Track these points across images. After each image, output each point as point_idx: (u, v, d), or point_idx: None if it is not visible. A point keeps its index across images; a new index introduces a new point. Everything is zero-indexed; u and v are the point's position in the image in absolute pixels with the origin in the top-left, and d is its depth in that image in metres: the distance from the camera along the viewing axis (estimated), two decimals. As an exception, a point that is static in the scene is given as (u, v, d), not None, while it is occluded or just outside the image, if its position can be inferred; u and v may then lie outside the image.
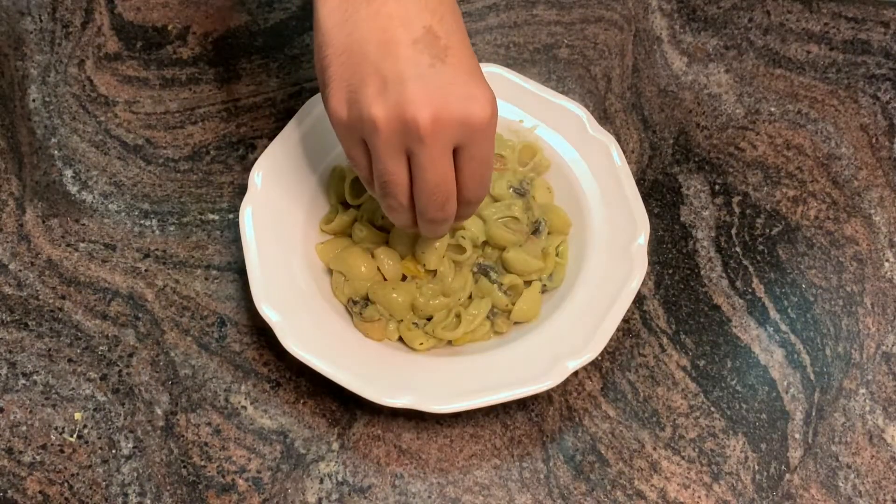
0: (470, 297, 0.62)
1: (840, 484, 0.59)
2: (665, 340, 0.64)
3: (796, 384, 0.62)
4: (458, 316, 0.60)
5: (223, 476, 0.58)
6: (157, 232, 0.67)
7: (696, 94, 0.74)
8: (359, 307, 0.61)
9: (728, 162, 0.71)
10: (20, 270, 0.65)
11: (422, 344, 0.60)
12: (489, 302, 0.61)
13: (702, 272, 0.66)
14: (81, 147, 0.70)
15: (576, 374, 0.61)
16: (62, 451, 0.59)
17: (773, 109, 0.73)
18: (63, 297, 0.64)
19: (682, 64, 0.75)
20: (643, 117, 0.73)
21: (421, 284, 0.62)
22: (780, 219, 0.68)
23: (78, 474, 0.58)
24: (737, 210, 0.69)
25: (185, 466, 0.58)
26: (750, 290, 0.65)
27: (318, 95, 0.67)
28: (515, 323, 0.62)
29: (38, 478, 0.58)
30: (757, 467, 0.59)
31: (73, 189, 0.68)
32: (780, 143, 0.72)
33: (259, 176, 0.63)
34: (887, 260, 0.67)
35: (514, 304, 0.62)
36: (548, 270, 0.63)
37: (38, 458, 0.58)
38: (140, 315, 0.63)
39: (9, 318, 0.63)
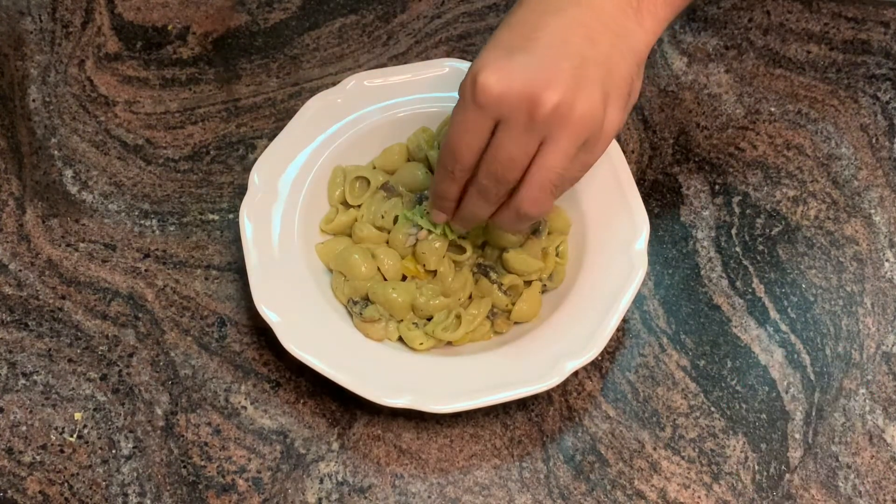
0: (470, 297, 0.62)
1: (840, 484, 0.59)
2: (665, 340, 0.64)
3: (796, 384, 0.62)
4: (458, 316, 0.60)
5: (223, 476, 0.58)
6: (157, 232, 0.67)
7: (696, 94, 0.74)
8: (359, 307, 0.61)
9: (728, 162, 0.71)
10: (20, 270, 0.65)
11: (422, 344, 0.60)
12: (489, 302, 0.61)
13: (702, 272, 0.66)
14: (81, 147, 0.70)
15: (576, 374, 0.61)
16: (62, 451, 0.59)
17: (773, 109, 0.73)
18: (63, 297, 0.64)
19: (682, 64, 0.75)
20: (643, 117, 0.73)
21: (421, 284, 0.62)
22: (780, 219, 0.68)
23: (78, 474, 0.58)
24: (737, 210, 0.69)
25: (185, 466, 0.58)
26: (750, 290, 0.65)
27: (318, 95, 0.67)
28: (515, 323, 0.62)
29: (38, 478, 0.58)
30: (757, 467, 0.59)
31: (73, 189, 0.68)
32: (780, 143, 0.72)
33: (259, 176, 0.63)
34: (887, 260, 0.67)
35: (514, 304, 0.61)
36: (548, 270, 0.63)
37: (38, 458, 0.58)
38: (140, 315, 0.63)
39: (9, 318, 0.63)
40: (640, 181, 0.69)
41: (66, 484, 0.58)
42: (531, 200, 0.52)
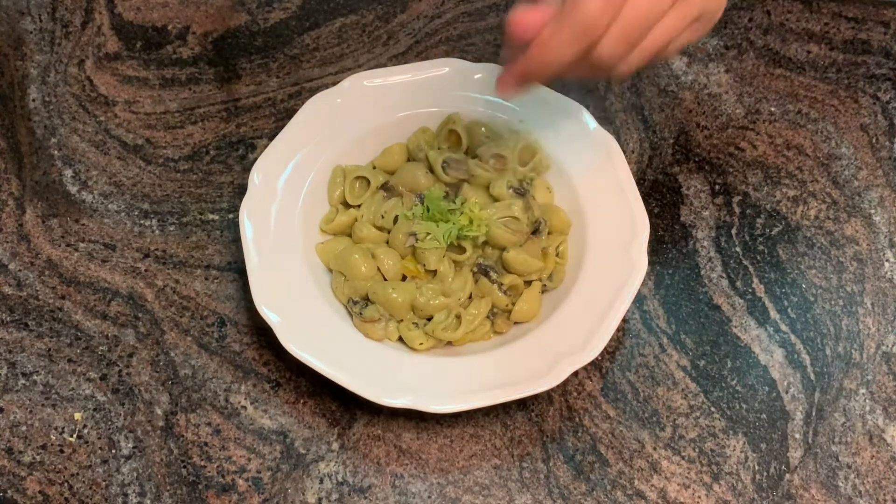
0: (470, 297, 0.62)
1: (840, 484, 0.59)
2: (665, 340, 0.64)
3: (796, 384, 0.62)
4: (458, 316, 0.60)
5: (223, 476, 0.58)
6: (157, 232, 0.67)
7: (696, 94, 0.74)
8: (359, 307, 0.61)
9: (728, 162, 0.71)
10: (20, 270, 0.65)
11: (422, 344, 0.60)
12: (489, 302, 0.61)
13: (702, 272, 0.66)
14: (81, 147, 0.70)
15: (576, 374, 0.61)
16: (62, 451, 0.59)
17: (773, 109, 0.73)
18: (63, 297, 0.64)
19: (682, 64, 0.75)
20: (643, 117, 0.73)
21: (421, 284, 0.62)
22: (780, 219, 0.68)
23: (78, 474, 0.58)
24: (737, 210, 0.69)
25: (185, 466, 0.58)
26: (750, 290, 0.65)
27: (318, 95, 0.67)
28: (515, 323, 0.62)
29: (38, 478, 0.58)
30: (757, 467, 0.59)
31: (73, 189, 0.68)
32: (780, 143, 0.72)
33: (259, 176, 0.63)
34: (887, 260, 0.67)
35: (514, 304, 0.62)
36: (548, 270, 0.63)
37: (38, 458, 0.58)
38: (140, 315, 0.63)
39: (9, 318, 0.63)
40: (640, 181, 0.69)
41: (66, 484, 0.58)
42: (641, 51, 0.52)
